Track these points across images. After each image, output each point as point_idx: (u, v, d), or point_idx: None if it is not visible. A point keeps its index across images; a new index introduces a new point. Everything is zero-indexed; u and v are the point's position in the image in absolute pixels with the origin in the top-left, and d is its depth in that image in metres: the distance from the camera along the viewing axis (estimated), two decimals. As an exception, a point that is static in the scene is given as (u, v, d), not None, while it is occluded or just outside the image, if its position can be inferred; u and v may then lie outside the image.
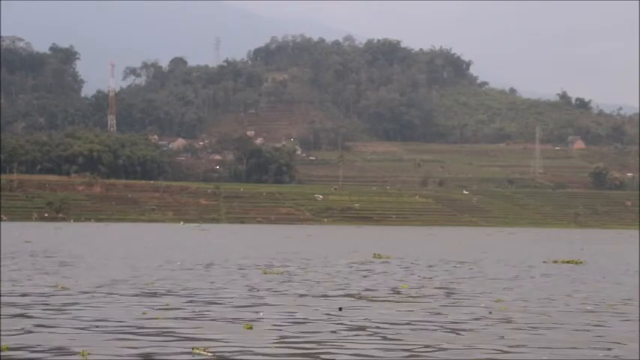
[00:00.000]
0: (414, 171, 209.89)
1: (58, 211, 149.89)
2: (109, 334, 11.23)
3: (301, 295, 17.15)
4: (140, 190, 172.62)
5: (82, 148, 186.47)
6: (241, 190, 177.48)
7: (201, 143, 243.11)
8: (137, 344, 10.38)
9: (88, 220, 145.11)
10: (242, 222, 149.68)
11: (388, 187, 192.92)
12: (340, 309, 14.58)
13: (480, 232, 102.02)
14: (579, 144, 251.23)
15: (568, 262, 31.70)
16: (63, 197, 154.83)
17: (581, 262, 31.57)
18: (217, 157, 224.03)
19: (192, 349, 9.92)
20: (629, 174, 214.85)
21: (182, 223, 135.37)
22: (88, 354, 9.44)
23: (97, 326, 11.95)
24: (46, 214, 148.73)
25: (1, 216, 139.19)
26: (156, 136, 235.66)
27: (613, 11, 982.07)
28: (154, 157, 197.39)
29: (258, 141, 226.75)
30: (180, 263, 27.78)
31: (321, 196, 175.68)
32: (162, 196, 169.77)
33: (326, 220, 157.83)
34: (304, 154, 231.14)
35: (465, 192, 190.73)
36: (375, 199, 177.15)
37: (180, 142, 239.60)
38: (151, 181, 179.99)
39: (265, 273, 23.52)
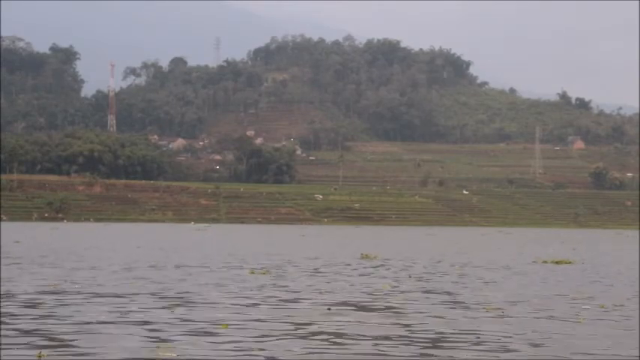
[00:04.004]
0: (414, 171, 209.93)
1: (58, 211, 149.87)
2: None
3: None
4: (140, 190, 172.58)
5: (82, 148, 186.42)
6: (241, 190, 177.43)
7: (201, 143, 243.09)
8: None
9: (87, 220, 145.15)
10: (242, 222, 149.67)
11: (388, 187, 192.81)
12: (329, 309, 14.60)
13: (476, 232, 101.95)
14: (579, 144, 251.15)
15: (557, 262, 31.70)
16: (63, 197, 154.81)
17: (570, 263, 31.58)
18: (217, 157, 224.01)
19: (157, 347, 9.93)
20: (629, 174, 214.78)
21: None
22: (47, 355, 9.44)
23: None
24: (46, 214, 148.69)
25: (1, 216, 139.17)
26: (156, 136, 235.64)
27: (613, 11, 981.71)
28: (154, 157, 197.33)
29: (258, 141, 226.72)
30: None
31: (321, 196, 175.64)
32: (162, 196, 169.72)
33: (326, 220, 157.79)
34: (304, 154, 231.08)
35: (464, 192, 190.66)
36: (375, 199, 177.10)
37: (180, 142, 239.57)
38: (151, 181, 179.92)
39: (252, 273, 23.54)
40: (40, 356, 9.38)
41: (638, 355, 10.24)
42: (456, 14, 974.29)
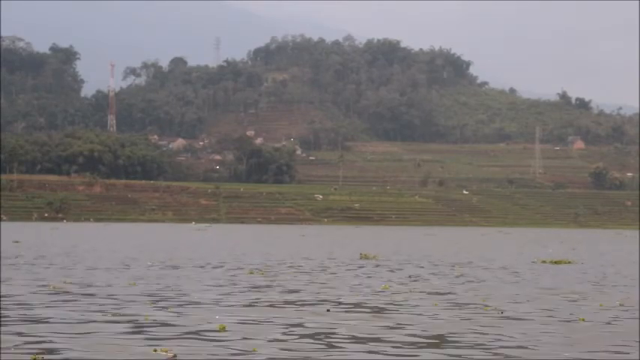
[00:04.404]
0: (414, 171, 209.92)
1: (58, 211, 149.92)
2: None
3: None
4: (140, 190, 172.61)
5: (82, 148, 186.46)
6: (241, 190, 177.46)
7: (201, 143, 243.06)
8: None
9: (87, 220, 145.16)
10: (242, 222, 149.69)
11: (388, 187, 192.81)
12: (328, 310, 14.56)
13: (476, 233, 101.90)
14: (579, 144, 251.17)
15: (556, 262, 31.69)
16: (63, 197, 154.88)
17: (569, 262, 31.57)
18: (217, 157, 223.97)
19: (155, 348, 9.89)
20: (629, 174, 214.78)
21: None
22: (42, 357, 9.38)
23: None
24: (46, 214, 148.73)
25: (1, 216, 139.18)
26: (156, 136, 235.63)
27: (613, 11, 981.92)
28: (154, 157, 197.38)
29: (258, 141, 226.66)
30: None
31: (321, 196, 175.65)
32: (162, 196, 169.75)
33: (326, 220, 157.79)
34: (304, 154, 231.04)
35: (465, 192, 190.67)
36: (375, 199, 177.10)
37: (180, 142, 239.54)
38: (151, 181, 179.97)
39: (251, 273, 23.49)
40: (35, 358, 9.33)
41: (638, 356, 10.21)
42: (456, 14, 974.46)
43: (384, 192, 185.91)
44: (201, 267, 26.39)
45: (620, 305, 16.14)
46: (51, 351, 9.83)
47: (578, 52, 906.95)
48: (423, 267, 28.33)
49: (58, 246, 41.74)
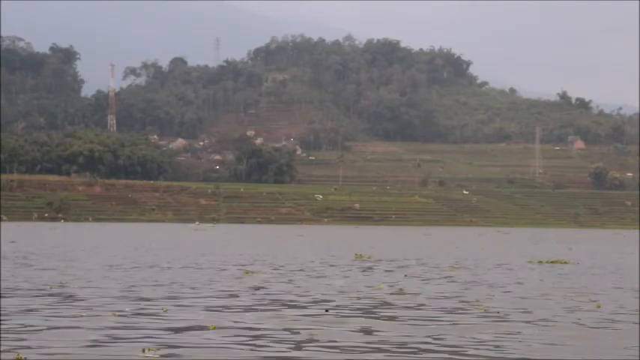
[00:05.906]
0: (414, 171, 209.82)
1: (58, 211, 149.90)
2: None
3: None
4: (140, 190, 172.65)
5: (82, 148, 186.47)
6: (241, 190, 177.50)
7: (201, 143, 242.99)
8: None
9: (87, 220, 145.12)
10: (242, 222, 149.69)
11: (388, 187, 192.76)
12: (327, 310, 14.58)
13: (475, 233, 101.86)
14: (579, 144, 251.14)
15: (553, 262, 31.77)
16: (63, 197, 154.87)
17: (566, 263, 31.62)
18: (217, 157, 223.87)
19: (143, 350, 9.91)
20: (629, 174, 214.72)
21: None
22: (25, 358, 9.38)
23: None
24: (46, 214, 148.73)
25: (1, 216, 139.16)
26: (156, 136, 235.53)
27: (613, 11, 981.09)
28: (154, 157, 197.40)
29: (258, 141, 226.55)
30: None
31: (321, 196, 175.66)
32: (163, 196, 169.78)
33: (326, 220, 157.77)
34: (304, 154, 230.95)
35: (465, 192, 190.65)
36: (375, 199, 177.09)
37: (180, 142, 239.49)
38: (151, 181, 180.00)
39: (247, 273, 23.54)
40: (19, 357, 9.33)
41: (638, 356, 10.22)
42: (456, 14, 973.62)
43: (384, 192, 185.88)
44: (199, 267, 26.40)
45: (621, 307, 16.18)
46: (34, 352, 9.81)
47: (578, 52, 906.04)
48: (417, 268, 28.35)
49: (53, 246, 41.74)
